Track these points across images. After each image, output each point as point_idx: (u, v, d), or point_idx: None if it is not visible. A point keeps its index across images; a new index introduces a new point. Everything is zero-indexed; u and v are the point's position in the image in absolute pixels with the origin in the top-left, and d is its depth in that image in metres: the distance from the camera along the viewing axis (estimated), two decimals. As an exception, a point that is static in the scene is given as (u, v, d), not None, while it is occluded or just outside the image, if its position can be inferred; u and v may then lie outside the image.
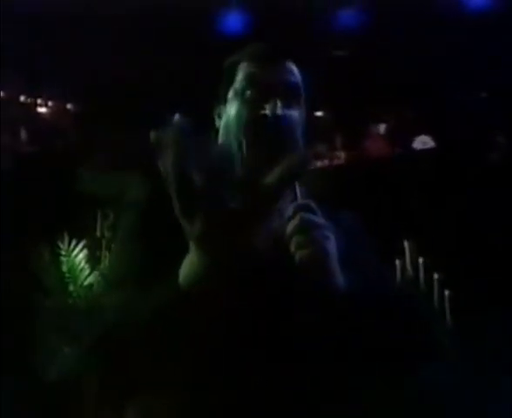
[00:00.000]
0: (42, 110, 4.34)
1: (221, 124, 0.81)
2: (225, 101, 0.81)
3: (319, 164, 4.32)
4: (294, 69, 0.81)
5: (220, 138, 0.81)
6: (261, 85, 0.77)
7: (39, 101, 4.31)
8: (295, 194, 0.68)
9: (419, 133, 4.58)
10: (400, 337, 0.70)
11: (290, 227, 0.64)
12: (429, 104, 4.43)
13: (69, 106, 4.38)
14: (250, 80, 0.78)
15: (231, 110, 0.79)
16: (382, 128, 4.76)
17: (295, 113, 0.78)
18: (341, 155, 4.54)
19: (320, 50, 4.09)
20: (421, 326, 0.75)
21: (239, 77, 0.79)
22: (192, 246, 0.51)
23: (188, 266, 0.54)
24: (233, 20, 3.71)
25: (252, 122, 0.75)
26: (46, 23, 3.72)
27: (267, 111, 0.74)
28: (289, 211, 0.66)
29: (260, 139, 0.73)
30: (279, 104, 0.74)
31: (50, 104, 4.33)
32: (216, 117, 0.84)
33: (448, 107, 4.26)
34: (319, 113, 4.82)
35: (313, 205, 0.66)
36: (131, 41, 3.64)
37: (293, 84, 0.79)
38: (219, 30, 3.65)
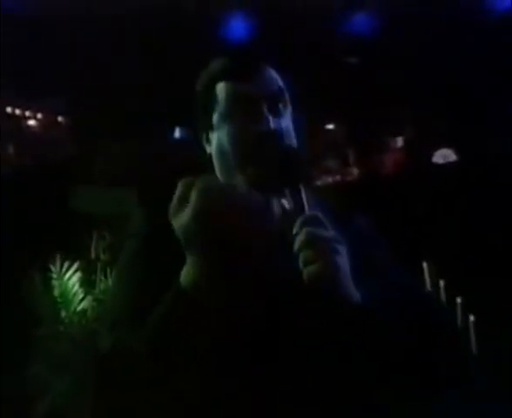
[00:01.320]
0: (31, 122, 4.48)
1: (213, 149, 0.86)
2: (210, 126, 0.85)
3: (330, 180, 4.41)
4: (273, 73, 0.86)
5: (216, 164, 0.86)
6: (246, 104, 0.82)
7: (28, 113, 4.44)
8: (302, 206, 0.71)
9: (439, 146, 4.61)
10: (423, 353, 0.72)
11: (297, 243, 0.67)
12: (451, 115, 4.48)
13: (60, 119, 4.52)
14: (234, 102, 0.82)
15: (221, 135, 0.83)
16: (399, 141, 4.82)
17: (286, 118, 0.84)
18: (354, 171, 4.62)
19: (330, 58, 4.21)
20: (448, 341, 0.77)
21: (222, 100, 0.83)
22: (197, 259, 0.61)
23: (189, 275, 0.62)
24: (237, 25, 3.86)
25: (248, 144, 0.80)
26: (35, 30, 3.87)
27: (261, 127, 0.79)
28: (296, 225, 0.69)
29: (261, 158, 0.78)
30: (269, 118, 0.80)
31: (39, 116, 4.47)
32: (205, 143, 0.89)
33: (472, 117, 4.31)
34: (329, 126, 4.92)
35: (320, 217, 0.69)
36: (127, 48, 3.77)
37: (277, 90, 0.84)
38: (223, 35, 3.80)
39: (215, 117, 0.84)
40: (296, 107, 0.88)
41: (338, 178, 4.50)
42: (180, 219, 0.62)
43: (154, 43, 3.75)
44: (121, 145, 3.80)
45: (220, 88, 0.84)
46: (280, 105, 0.84)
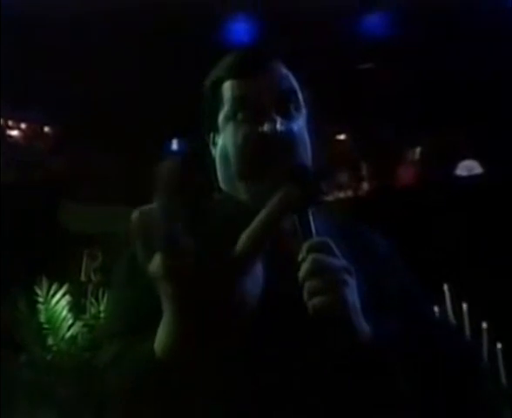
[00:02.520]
0: (14, 133, 4.55)
1: (217, 153, 0.86)
2: (216, 127, 0.87)
3: (340, 196, 4.45)
4: (284, 71, 0.86)
5: (218, 169, 0.87)
6: (252, 103, 0.82)
7: (10, 123, 4.52)
8: (310, 231, 0.71)
9: (463, 157, 4.59)
10: (441, 398, 0.72)
11: (302, 271, 0.67)
12: (476, 123, 4.49)
13: (47, 129, 4.59)
14: (239, 100, 0.83)
15: (225, 137, 0.84)
16: (417, 152, 4.85)
17: (298, 122, 0.83)
18: (367, 185, 4.68)
19: (341, 62, 4.27)
20: (478, 387, 0.78)
21: (227, 98, 0.84)
22: (170, 309, 0.49)
23: (165, 331, 0.52)
24: (242, 27, 3.93)
25: (251, 148, 0.80)
26: (19, 33, 3.94)
27: (265, 130, 0.79)
28: (302, 251, 0.69)
29: (266, 163, 0.78)
30: (276, 118, 0.80)
31: (23, 126, 4.54)
32: (211, 146, 0.90)
33: (500, 125, 4.32)
34: (340, 136, 4.97)
35: (330, 243, 0.69)
36: (121, 52, 3.85)
37: (287, 89, 0.84)
38: (225, 39, 3.88)
39: (221, 119, 0.85)
40: (312, 111, 0.88)
41: (349, 192, 4.55)
42: (154, 266, 0.47)
43: (150, 47, 3.83)
44: (114, 157, 3.85)
45: (226, 87, 0.85)
46: (292, 107, 0.83)
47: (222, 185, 0.87)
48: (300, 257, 0.68)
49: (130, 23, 3.83)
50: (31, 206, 3.22)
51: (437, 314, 2.15)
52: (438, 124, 4.69)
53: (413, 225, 3.16)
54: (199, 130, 0.93)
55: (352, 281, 0.68)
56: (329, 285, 0.66)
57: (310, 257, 0.67)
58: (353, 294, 0.67)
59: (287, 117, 0.82)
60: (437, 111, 4.47)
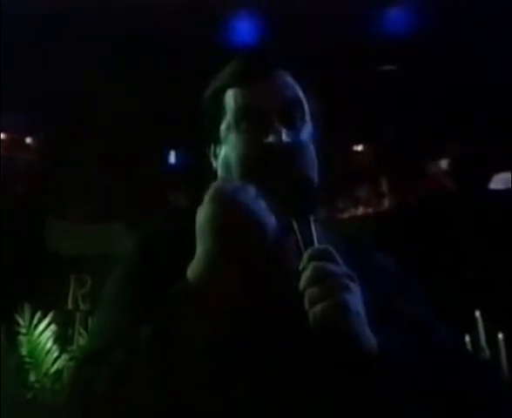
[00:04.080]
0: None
1: (219, 164, 0.93)
2: (218, 138, 0.93)
3: (358, 212, 4.46)
4: (289, 80, 0.93)
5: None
6: (256, 112, 0.89)
7: (-11, 134, 4.57)
8: (311, 240, 0.77)
9: (499, 169, 4.59)
10: (452, 412, 0.77)
11: (303, 280, 0.73)
12: None
13: (29, 140, 4.65)
14: (242, 109, 0.89)
15: (227, 148, 0.90)
16: (444, 164, 4.85)
17: (303, 134, 0.90)
18: (388, 201, 4.69)
19: (359, 65, 4.32)
20: (496, 406, 0.82)
21: (229, 108, 0.91)
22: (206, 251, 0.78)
23: (203, 258, 0.78)
24: (246, 27, 3.99)
25: (254, 159, 0.86)
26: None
27: (270, 140, 0.85)
28: (303, 260, 0.74)
29: (269, 174, 0.84)
30: (280, 128, 0.86)
31: (2, 136, 4.60)
32: (212, 159, 0.97)
33: None
34: (358, 147, 5.00)
35: (331, 250, 0.75)
36: (114, 55, 3.90)
37: (292, 98, 0.91)
38: (228, 39, 3.93)
39: (223, 129, 0.92)
40: (317, 123, 0.94)
41: (368, 209, 4.56)
42: (201, 211, 0.79)
43: (144, 50, 3.89)
44: (105, 172, 3.88)
45: (229, 95, 0.92)
46: (297, 118, 0.90)
47: None
48: (301, 266, 0.74)
49: (127, 23, 3.87)
50: (13, 225, 3.24)
51: (464, 342, 2.18)
52: (469, 132, 4.67)
53: (442, 246, 3.18)
54: (199, 141, 1.00)
55: (355, 287, 0.73)
56: (330, 291, 0.70)
57: (311, 265, 0.73)
58: (355, 299, 0.72)
59: (292, 127, 0.88)
60: (467, 116, 4.47)
